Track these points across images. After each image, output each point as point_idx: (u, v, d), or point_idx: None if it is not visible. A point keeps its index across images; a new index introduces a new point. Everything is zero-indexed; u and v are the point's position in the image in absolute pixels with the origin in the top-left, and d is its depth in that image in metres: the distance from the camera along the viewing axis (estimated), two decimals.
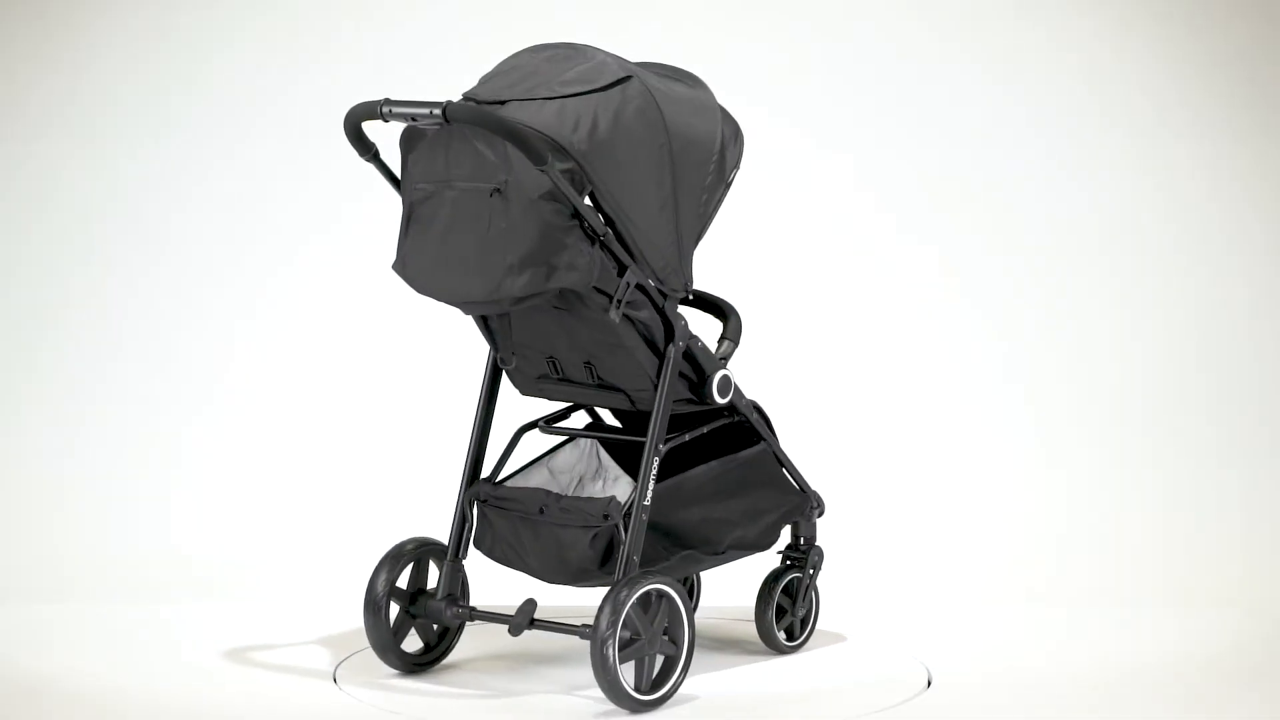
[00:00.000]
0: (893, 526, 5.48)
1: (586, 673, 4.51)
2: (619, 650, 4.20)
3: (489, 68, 4.46)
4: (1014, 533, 5.81)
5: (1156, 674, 4.68)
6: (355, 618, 5.09)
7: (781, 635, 4.73)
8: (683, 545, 4.46)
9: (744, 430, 4.59)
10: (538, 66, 4.36)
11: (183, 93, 6.22)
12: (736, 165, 4.47)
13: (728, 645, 4.84)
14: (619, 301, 4.25)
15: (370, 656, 4.74)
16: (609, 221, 4.24)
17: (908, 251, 6.30)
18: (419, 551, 4.66)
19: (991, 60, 6.32)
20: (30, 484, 5.91)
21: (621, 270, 4.26)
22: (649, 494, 4.32)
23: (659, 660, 4.32)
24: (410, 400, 6.16)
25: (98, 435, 6.03)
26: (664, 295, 4.34)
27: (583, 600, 4.62)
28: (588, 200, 4.21)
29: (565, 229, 4.17)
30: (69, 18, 6.22)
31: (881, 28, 6.32)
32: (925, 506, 5.90)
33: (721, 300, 4.60)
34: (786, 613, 4.73)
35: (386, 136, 4.39)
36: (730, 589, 4.84)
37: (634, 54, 4.60)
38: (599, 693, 4.38)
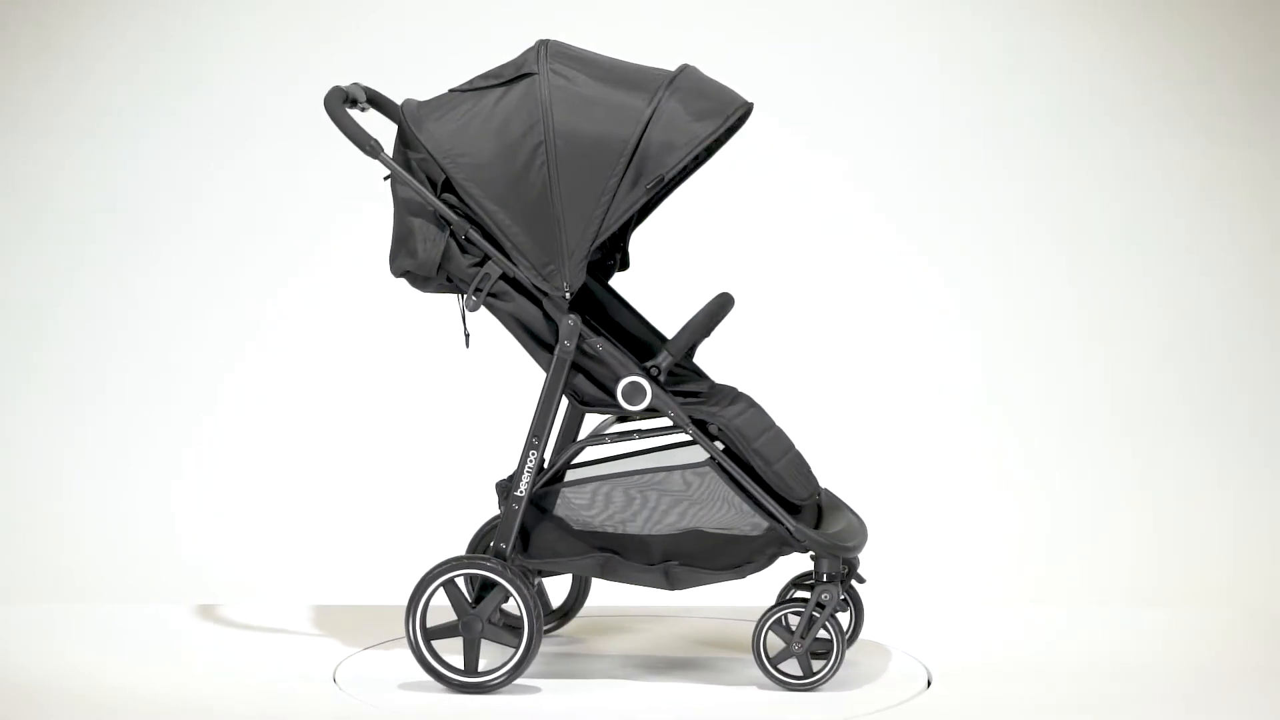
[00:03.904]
0: (892, 527, 5.46)
1: (591, 677, 4.54)
2: (427, 626, 4.42)
3: (487, 67, 4.56)
4: (1014, 533, 5.81)
5: (1156, 673, 4.68)
6: (355, 617, 5.10)
7: (786, 669, 4.45)
8: (606, 545, 4.45)
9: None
10: (503, 63, 4.54)
11: (184, 93, 6.22)
12: (667, 169, 4.36)
13: (733, 646, 4.83)
14: (476, 290, 4.41)
15: (370, 656, 4.75)
16: (470, 212, 4.41)
17: (900, 253, 6.29)
18: None
19: (986, 65, 6.31)
20: (30, 484, 5.91)
21: (483, 261, 4.42)
22: (523, 485, 4.41)
23: (508, 649, 4.42)
24: (414, 398, 6.16)
25: (97, 435, 6.03)
26: (544, 293, 4.42)
27: (650, 599, 4.72)
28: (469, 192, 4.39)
29: (418, 215, 4.43)
30: (69, 18, 6.22)
31: (879, 29, 6.32)
32: (924, 507, 5.90)
33: (711, 308, 4.54)
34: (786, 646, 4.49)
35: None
36: (741, 593, 4.79)
37: (629, 53, 4.61)
38: (598, 696, 4.41)
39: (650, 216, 4.72)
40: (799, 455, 4.56)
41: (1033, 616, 5.21)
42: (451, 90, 4.52)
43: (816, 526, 4.50)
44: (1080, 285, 6.26)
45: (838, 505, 4.64)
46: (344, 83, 4.56)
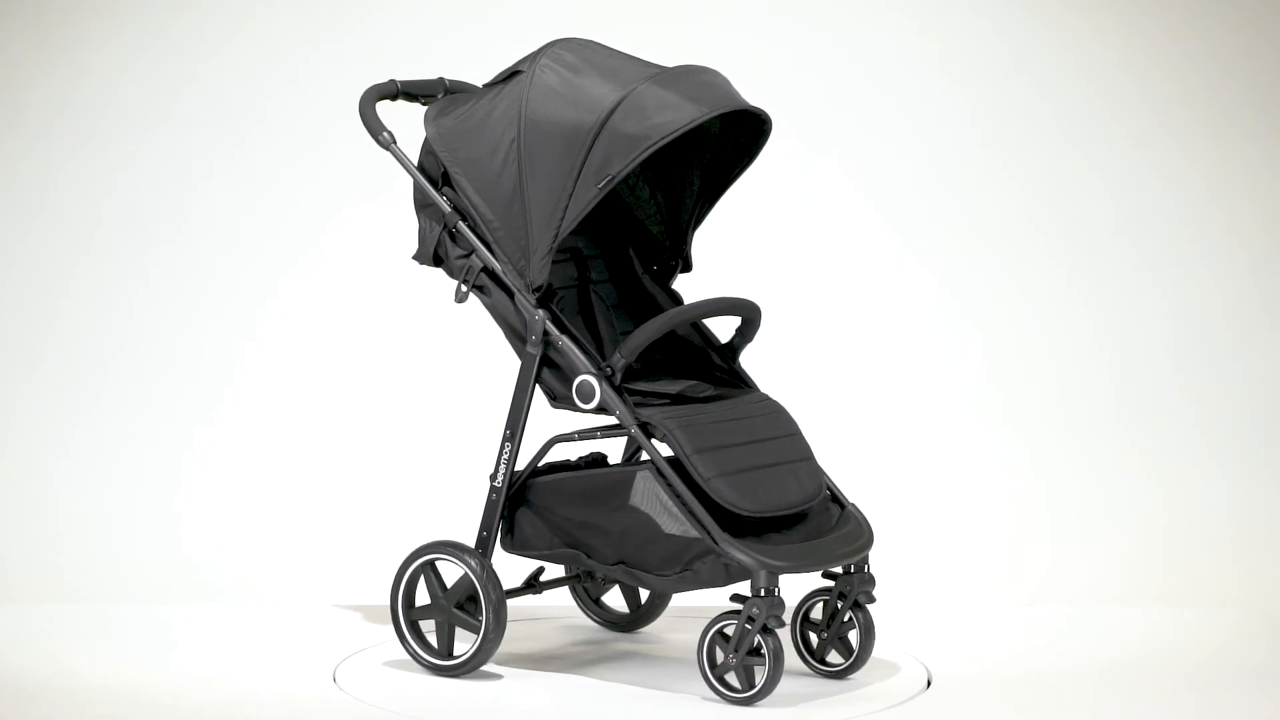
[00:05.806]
0: (892, 527, 5.47)
1: (595, 679, 4.53)
2: (409, 608, 4.57)
3: (489, 65, 4.65)
4: (1013, 533, 5.81)
5: (1155, 673, 4.68)
6: (355, 617, 5.10)
7: (730, 680, 4.35)
8: (570, 542, 4.50)
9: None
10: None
11: (184, 92, 6.22)
12: (615, 169, 4.31)
13: None
14: (462, 282, 4.53)
15: (370, 656, 4.75)
16: (462, 206, 4.53)
17: (901, 254, 6.29)
18: None
19: (987, 65, 6.31)
20: (31, 485, 5.91)
21: (469, 254, 4.54)
22: (500, 475, 4.52)
23: (475, 635, 4.50)
24: (413, 401, 6.15)
25: (99, 435, 6.03)
26: (516, 288, 4.48)
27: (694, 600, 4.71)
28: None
29: (423, 208, 4.60)
30: (69, 18, 6.22)
31: (879, 29, 6.32)
32: (925, 507, 5.90)
33: (678, 312, 4.57)
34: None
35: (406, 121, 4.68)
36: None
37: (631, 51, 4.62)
38: (597, 697, 4.43)
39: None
40: (793, 469, 4.47)
41: (1033, 616, 5.22)
42: (485, 85, 4.62)
43: (819, 539, 4.44)
44: (1081, 285, 6.26)
45: (847, 520, 4.55)
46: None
